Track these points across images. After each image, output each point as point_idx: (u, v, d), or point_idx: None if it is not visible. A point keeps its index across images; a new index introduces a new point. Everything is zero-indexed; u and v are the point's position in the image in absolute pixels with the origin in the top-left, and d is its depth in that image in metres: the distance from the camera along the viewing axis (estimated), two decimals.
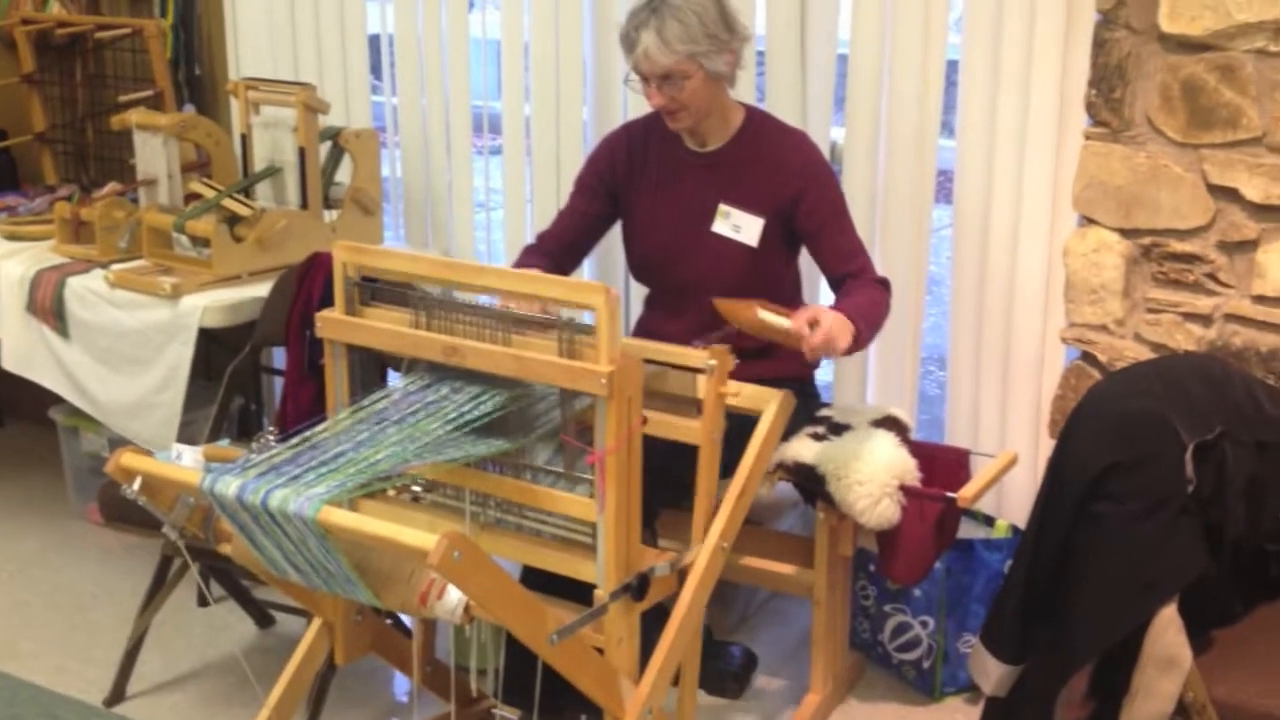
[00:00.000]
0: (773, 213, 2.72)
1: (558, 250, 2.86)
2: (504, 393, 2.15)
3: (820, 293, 3.28)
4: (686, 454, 2.35)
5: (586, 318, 2.11)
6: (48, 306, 3.25)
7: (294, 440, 2.07)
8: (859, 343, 2.50)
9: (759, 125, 2.78)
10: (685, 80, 2.62)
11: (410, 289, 2.32)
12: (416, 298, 2.23)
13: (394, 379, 2.35)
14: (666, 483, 2.41)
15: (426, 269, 2.22)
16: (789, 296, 2.85)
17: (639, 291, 3.05)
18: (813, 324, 2.41)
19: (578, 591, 2.17)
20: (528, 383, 2.14)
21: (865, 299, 2.61)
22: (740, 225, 2.74)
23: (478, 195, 3.73)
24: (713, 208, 2.76)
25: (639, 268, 2.92)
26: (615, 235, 2.97)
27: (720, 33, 2.63)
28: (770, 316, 2.46)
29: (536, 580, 2.27)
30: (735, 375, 2.57)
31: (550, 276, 2.20)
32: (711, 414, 2.28)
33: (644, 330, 2.93)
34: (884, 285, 2.70)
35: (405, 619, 2.76)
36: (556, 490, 2.18)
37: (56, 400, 3.50)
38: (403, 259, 2.26)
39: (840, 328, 2.43)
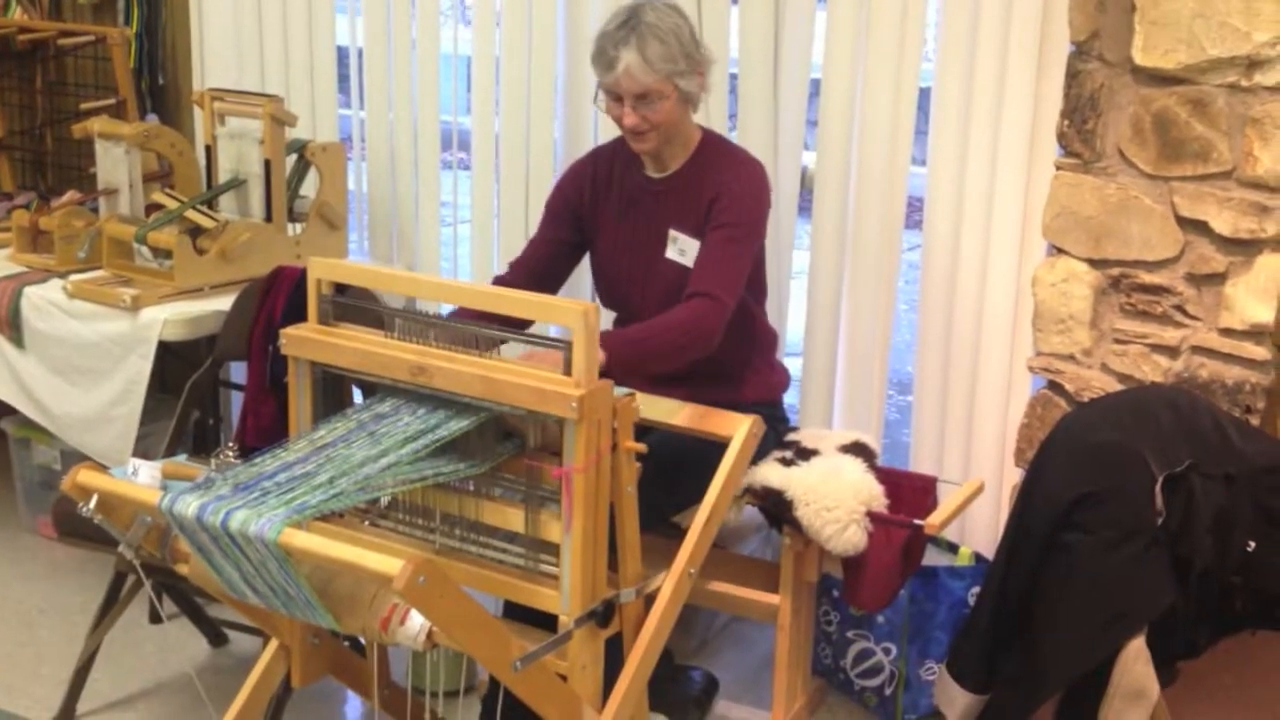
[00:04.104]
0: (704, 233, 2.70)
1: (526, 280, 2.81)
2: (469, 417, 2.12)
3: (791, 311, 3.27)
4: (693, 455, 2.32)
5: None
6: (3, 316, 3.19)
7: (255, 461, 2.03)
8: (615, 364, 2.43)
9: (711, 151, 2.75)
10: (661, 101, 2.61)
11: (377, 307, 2.29)
12: (384, 316, 2.20)
13: (359, 396, 2.32)
14: (671, 487, 2.37)
15: (405, 286, 2.18)
16: (743, 319, 2.80)
17: (609, 319, 3.02)
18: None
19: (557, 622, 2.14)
20: (493, 408, 2.11)
21: (654, 324, 2.58)
22: (685, 250, 2.72)
23: (445, 211, 3.70)
24: (665, 234, 2.74)
25: (603, 294, 2.90)
26: (586, 264, 2.96)
27: (694, 52, 2.64)
28: None
29: (519, 611, 2.24)
30: (703, 400, 2.56)
31: (530, 295, 2.15)
32: (622, 469, 2.14)
33: None
34: (696, 312, 2.58)
35: (362, 640, 2.72)
36: (520, 511, 2.15)
37: (8, 411, 3.43)
38: (381, 276, 2.23)
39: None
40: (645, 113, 2.61)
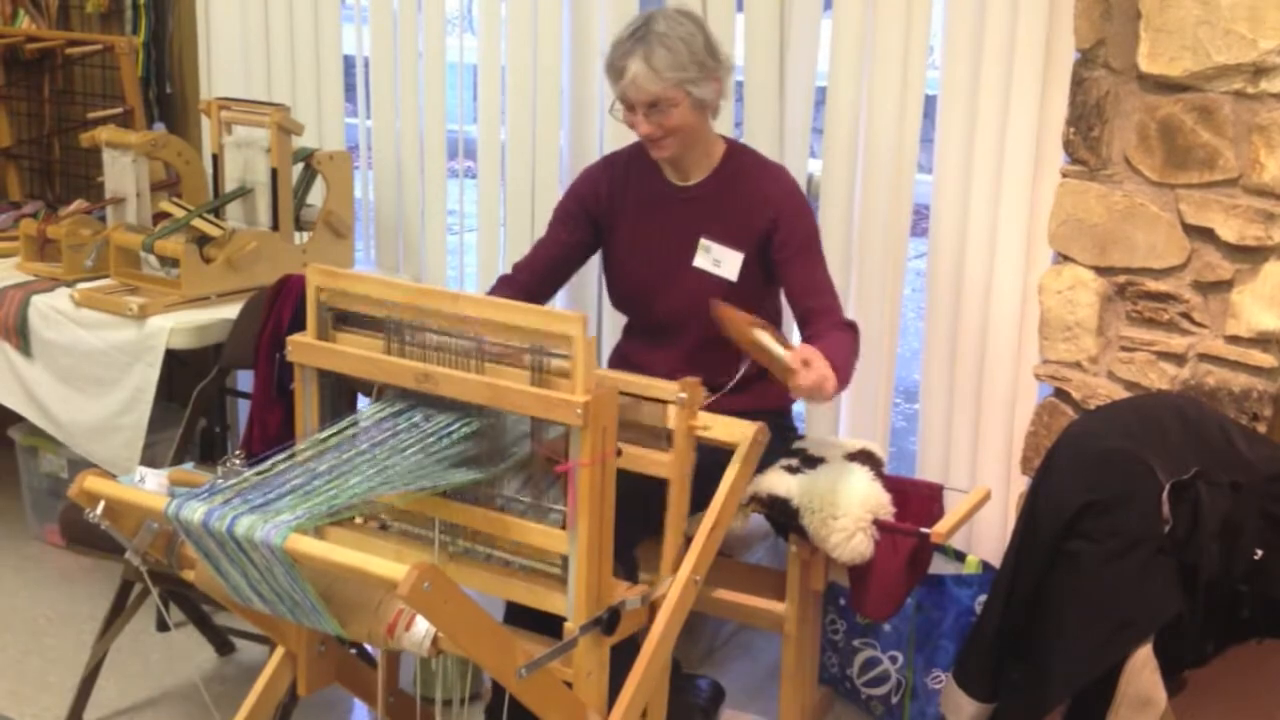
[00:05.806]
0: (751, 246, 2.72)
1: (532, 281, 2.85)
2: (476, 420, 2.12)
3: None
4: (661, 486, 2.32)
5: None
6: (10, 324, 3.19)
7: (261, 466, 2.03)
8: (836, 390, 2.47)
9: (739, 159, 2.77)
10: (672, 108, 2.62)
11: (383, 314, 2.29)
12: (389, 323, 2.20)
13: (364, 403, 2.32)
14: (643, 515, 2.38)
15: (400, 295, 2.18)
16: None
17: (613, 319, 3.02)
18: (806, 364, 2.38)
19: (559, 628, 2.14)
20: (500, 409, 2.11)
21: (838, 344, 2.56)
22: (720, 260, 2.73)
23: (451, 220, 3.71)
24: (693, 242, 2.75)
25: (618, 299, 2.90)
26: (590, 263, 2.96)
27: (707, 60, 2.65)
28: (767, 340, 2.42)
29: (520, 618, 2.24)
30: (712, 405, 2.56)
31: (525, 305, 2.17)
32: (681, 448, 2.23)
33: (622, 359, 2.90)
34: (852, 329, 2.66)
35: (369, 648, 2.72)
36: (527, 520, 2.15)
37: (16, 419, 3.44)
38: (376, 284, 2.23)
39: (831, 375, 2.39)
40: (658, 120, 2.63)
